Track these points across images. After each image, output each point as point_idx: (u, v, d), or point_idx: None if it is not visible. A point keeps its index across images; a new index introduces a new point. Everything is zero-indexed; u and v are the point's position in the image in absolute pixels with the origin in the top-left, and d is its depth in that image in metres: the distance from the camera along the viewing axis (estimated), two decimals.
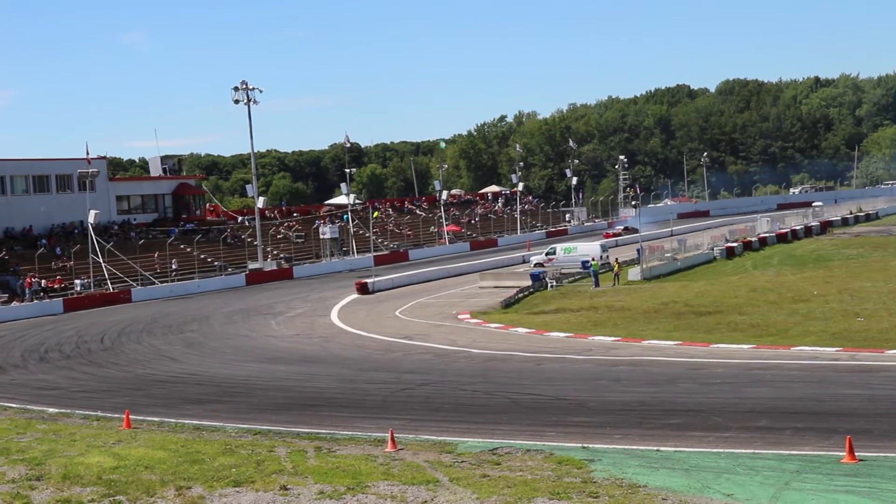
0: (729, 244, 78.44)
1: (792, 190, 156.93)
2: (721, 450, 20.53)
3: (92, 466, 22.30)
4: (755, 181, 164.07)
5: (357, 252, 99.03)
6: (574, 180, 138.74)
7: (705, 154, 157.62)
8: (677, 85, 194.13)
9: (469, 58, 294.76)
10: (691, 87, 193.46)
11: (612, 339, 40.60)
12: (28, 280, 72.72)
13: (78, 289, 74.25)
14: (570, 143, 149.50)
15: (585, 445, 21.37)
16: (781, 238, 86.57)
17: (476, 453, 21.33)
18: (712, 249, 76.89)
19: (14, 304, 69.36)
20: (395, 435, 22.49)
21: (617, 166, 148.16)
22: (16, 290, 72.48)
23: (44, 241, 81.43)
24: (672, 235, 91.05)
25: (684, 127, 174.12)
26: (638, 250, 70.58)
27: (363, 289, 68.66)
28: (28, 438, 26.56)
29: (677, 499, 16.89)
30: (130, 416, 27.76)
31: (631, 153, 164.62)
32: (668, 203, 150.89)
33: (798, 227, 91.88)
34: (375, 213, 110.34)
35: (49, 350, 49.48)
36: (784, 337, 38.31)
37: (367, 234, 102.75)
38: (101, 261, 76.17)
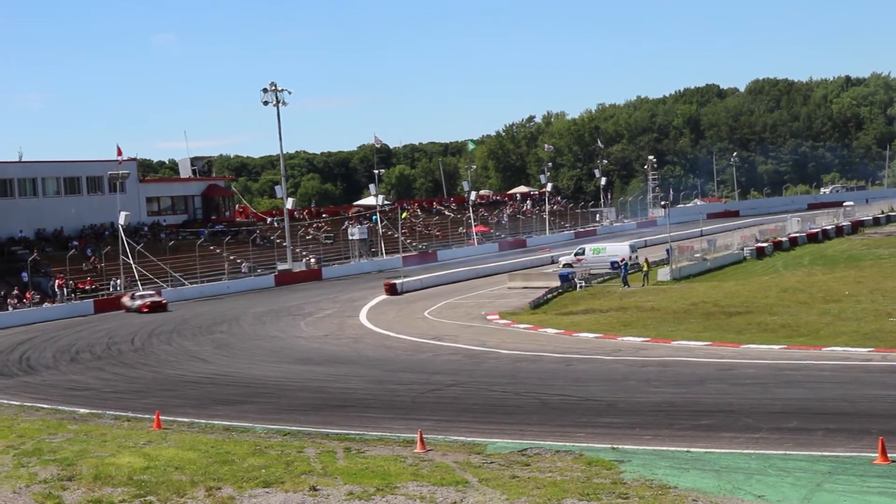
0: (759, 244, 78.04)
1: (823, 190, 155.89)
2: (752, 451, 20.41)
3: (123, 467, 22.40)
4: (785, 181, 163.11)
5: (386, 253, 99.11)
6: (603, 180, 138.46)
7: (735, 154, 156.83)
8: (707, 84, 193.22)
9: (497, 58, 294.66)
10: (721, 87, 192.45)
11: (642, 339, 40.44)
12: (59, 281, 73.18)
13: (117, 289, 74.71)
14: (599, 143, 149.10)
15: (615, 446, 21.29)
16: (812, 238, 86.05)
17: (505, 454, 21.29)
18: (742, 249, 76.49)
19: (46, 305, 69.81)
20: (424, 436, 22.49)
21: (646, 166, 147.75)
22: (47, 291, 72.92)
23: (75, 242, 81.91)
24: (702, 235, 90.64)
25: (714, 126, 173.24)
26: (667, 250, 70.31)
27: (392, 290, 68.70)
28: (60, 439, 26.70)
29: (708, 500, 16.80)
30: (161, 417, 27.88)
31: (660, 153, 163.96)
32: (698, 203, 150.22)
33: (829, 227, 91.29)
34: (404, 214, 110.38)
35: (80, 351, 49.78)
36: (815, 337, 38.04)
37: (396, 235, 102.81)
38: (131, 262, 76.51)
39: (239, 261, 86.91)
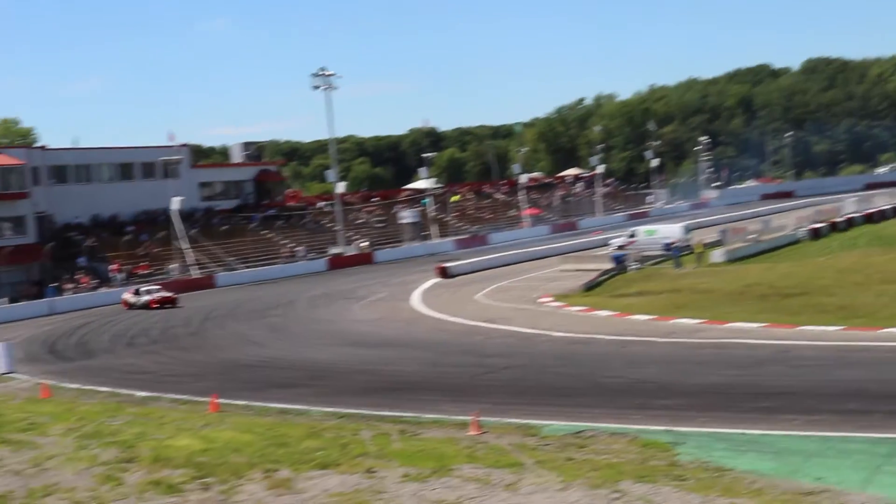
0: (814, 225, 77.15)
1: (880, 169, 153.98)
2: (810, 433, 20.22)
3: (181, 449, 22.62)
4: (841, 161, 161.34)
5: (437, 236, 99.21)
6: (655, 162, 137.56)
7: (789, 134, 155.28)
8: (759, 64, 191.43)
9: (547, 40, 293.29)
10: (774, 67, 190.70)
11: (696, 321, 40.13)
12: (115, 266, 73.94)
13: (171, 274, 75.44)
14: (651, 125, 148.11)
15: (671, 429, 21.19)
16: (869, 218, 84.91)
17: (560, 436, 21.27)
18: (797, 231, 75.70)
19: (102, 289, 70.57)
20: (478, 418, 22.51)
21: (698, 147, 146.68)
22: (103, 276, 73.71)
23: (130, 227, 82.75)
24: (756, 217, 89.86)
25: (767, 107, 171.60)
26: (721, 232, 69.75)
27: (444, 273, 68.75)
28: (119, 422, 27.01)
29: (766, 482, 16.69)
30: (217, 400, 28.12)
31: (713, 134, 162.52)
32: (752, 184, 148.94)
33: (886, 207, 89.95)
34: (455, 197, 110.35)
35: (136, 335, 50.30)
36: (873, 319, 37.55)
37: (447, 218, 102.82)
38: (185, 247, 77.16)
39: (291, 244, 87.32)
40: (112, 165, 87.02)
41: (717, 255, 63.75)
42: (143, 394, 32.24)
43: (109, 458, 22.47)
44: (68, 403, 31.25)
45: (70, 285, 70.41)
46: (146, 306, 62.61)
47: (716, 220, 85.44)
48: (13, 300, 67.86)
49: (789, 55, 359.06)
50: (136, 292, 64.81)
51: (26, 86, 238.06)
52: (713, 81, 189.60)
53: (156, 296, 63.61)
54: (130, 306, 63.72)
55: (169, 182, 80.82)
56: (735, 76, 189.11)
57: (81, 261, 73.93)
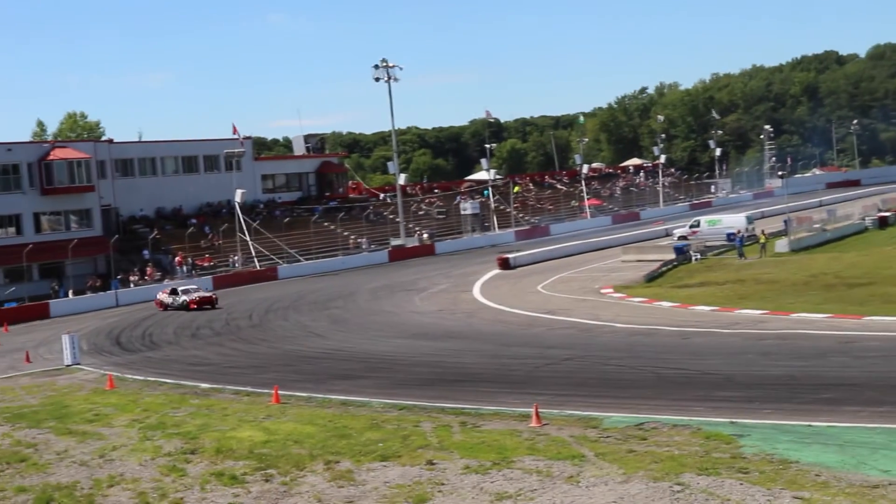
0: (882, 213, 76.11)
1: None
2: (876, 425, 19.95)
3: (244, 440, 22.84)
4: None
5: (498, 227, 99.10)
6: (718, 151, 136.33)
7: (855, 121, 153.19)
8: (825, 51, 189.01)
9: (609, 29, 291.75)
10: (840, 53, 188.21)
11: (760, 312, 39.79)
12: (179, 259, 74.70)
13: (235, 266, 76.10)
14: (714, 114, 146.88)
15: (734, 420, 21.02)
16: None
17: (622, 428, 21.17)
18: (864, 219, 74.75)
19: (166, 281, 71.26)
20: (539, 410, 22.47)
21: (762, 136, 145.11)
22: (167, 268, 74.50)
23: (193, 220, 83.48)
24: (821, 206, 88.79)
25: (833, 94, 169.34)
26: (785, 221, 69.04)
27: (505, 264, 68.65)
28: (182, 413, 27.33)
29: (831, 475, 16.51)
30: (279, 392, 28.32)
31: (776, 122, 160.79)
32: (817, 173, 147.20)
33: None
34: (516, 188, 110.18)
35: (200, 327, 50.74)
36: None
37: (508, 210, 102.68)
38: (247, 239, 77.74)
39: (353, 237, 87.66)
40: (176, 159, 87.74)
41: (781, 244, 63.11)
42: (207, 385, 32.53)
43: (173, 450, 22.76)
44: (133, 395, 31.66)
45: (135, 277, 71.19)
46: (184, 307, 58.37)
47: (780, 210, 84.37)
48: (79, 292, 68.78)
49: (856, 41, 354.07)
50: (173, 292, 60.51)
51: (93, 80, 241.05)
52: (778, 69, 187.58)
53: (194, 296, 59.24)
54: (166, 307, 59.70)
55: (232, 175, 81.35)
56: (800, 63, 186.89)
57: (146, 253, 74.71)
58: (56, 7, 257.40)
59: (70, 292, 68.30)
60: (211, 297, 59.86)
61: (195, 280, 71.35)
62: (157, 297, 61.52)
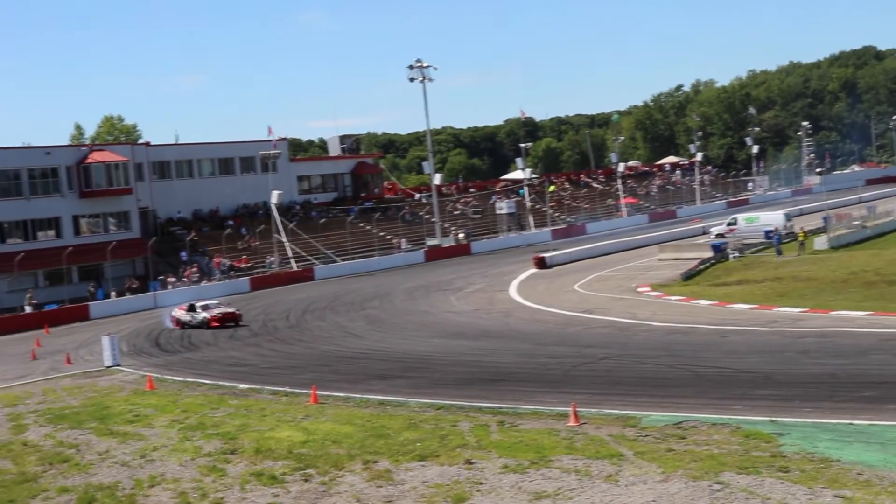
0: None
1: None
2: None
3: (282, 441, 22.95)
4: None
5: (534, 226, 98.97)
6: (755, 148, 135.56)
7: (895, 117, 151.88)
8: (863, 47, 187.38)
9: (644, 26, 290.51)
10: (878, 49, 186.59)
11: (799, 310, 39.54)
12: (216, 260, 75.11)
13: (271, 267, 76.41)
14: (751, 111, 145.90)
15: (774, 419, 20.91)
16: None
17: (660, 427, 21.12)
18: None
19: (203, 283, 71.65)
20: (577, 409, 22.44)
21: (800, 133, 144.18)
22: (205, 269, 74.90)
23: (230, 221, 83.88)
24: (860, 202, 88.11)
25: (871, 90, 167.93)
26: (824, 218, 68.55)
27: (541, 263, 68.55)
28: (221, 414, 27.49)
29: (873, 473, 16.40)
30: (317, 392, 28.42)
31: (815, 119, 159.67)
32: (856, 169, 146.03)
33: None
34: (552, 187, 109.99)
35: (238, 328, 50.94)
36: None
37: (544, 209, 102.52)
38: (284, 240, 78.05)
39: (389, 237, 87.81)
40: (212, 160, 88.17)
41: (820, 242, 62.66)
42: (245, 386, 32.69)
43: (213, 450, 22.90)
44: (172, 396, 31.87)
45: (173, 279, 71.61)
46: (204, 325, 51.43)
47: (819, 207, 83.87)
48: (120, 294, 69.25)
49: (895, 37, 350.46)
50: (191, 308, 53.08)
51: (130, 84, 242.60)
52: (815, 65, 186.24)
53: (216, 312, 52.15)
54: (183, 326, 52.68)
55: (268, 176, 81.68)
56: (838, 59, 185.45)
57: (183, 255, 75.12)
58: (92, 11, 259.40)
59: (113, 294, 68.72)
60: (235, 313, 52.51)
61: (232, 281, 71.70)
62: (173, 314, 54.08)
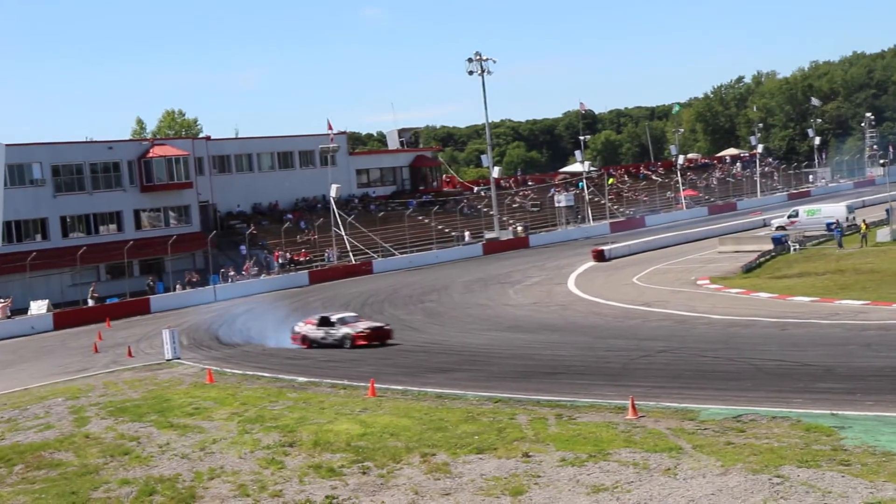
0: None
1: None
2: None
3: (341, 433, 23.04)
4: None
5: (593, 219, 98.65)
6: (817, 140, 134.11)
7: None
8: None
9: (705, 17, 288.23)
10: None
11: (861, 302, 39.13)
12: (276, 253, 75.59)
13: (330, 260, 76.78)
14: (813, 102, 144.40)
15: (834, 412, 20.67)
16: None
17: (719, 420, 20.95)
18: None
19: (263, 276, 72.13)
20: (635, 402, 22.33)
21: (863, 124, 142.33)
22: (264, 263, 75.41)
23: (289, 215, 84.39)
24: None
25: None
26: (887, 210, 67.74)
27: (599, 256, 68.32)
28: (280, 406, 27.65)
29: None
30: (375, 385, 28.49)
31: (878, 110, 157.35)
32: None
33: None
34: (611, 180, 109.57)
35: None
36: None
37: (603, 201, 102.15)
38: (343, 233, 78.38)
39: (453, 232, 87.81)
40: (272, 154, 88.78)
41: (882, 234, 61.94)
42: (304, 379, 32.83)
43: (271, 443, 23.05)
44: (231, 389, 32.10)
45: (232, 273, 72.13)
46: (345, 343, 40.86)
47: (882, 199, 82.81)
48: (183, 287, 69.84)
49: None
50: (325, 323, 42.51)
51: (191, 78, 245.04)
52: (879, 55, 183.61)
53: (362, 328, 41.45)
54: (311, 344, 42.28)
55: (327, 170, 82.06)
56: None
57: (242, 248, 75.66)
58: (154, 5, 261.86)
59: (177, 286, 69.35)
60: (384, 328, 42.13)
61: (291, 275, 72.08)
62: (297, 329, 43.83)
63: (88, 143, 78.95)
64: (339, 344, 40.95)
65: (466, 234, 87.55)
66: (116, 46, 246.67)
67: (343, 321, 42.14)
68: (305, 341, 42.47)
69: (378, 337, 40.66)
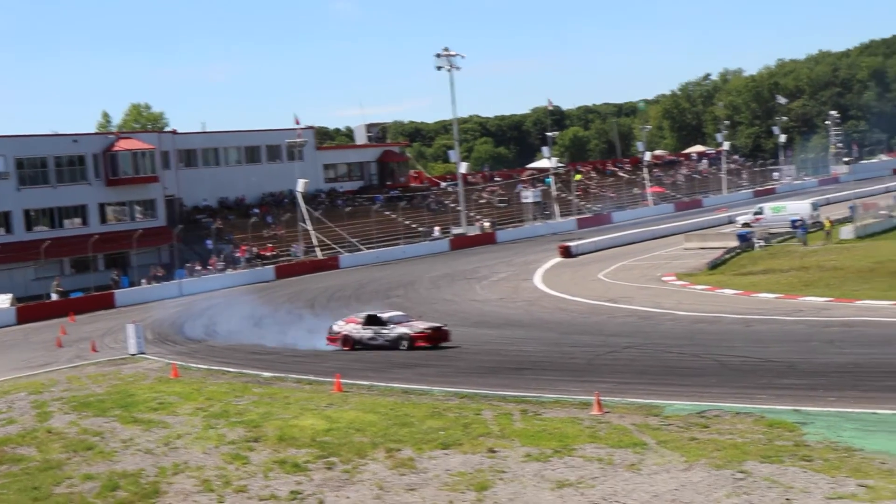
0: None
1: None
2: None
3: (306, 429, 23.00)
4: None
5: (559, 215, 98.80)
6: (782, 138, 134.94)
7: None
8: (893, 35, 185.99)
9: (672, 15, 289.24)
10: None
11: (824, 299, 39.41)
12: (242, 248, 75.30)
13: (297, 255, 76.58)
14: (779, 100, 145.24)
15: (797, 408, 20.82)
16: None
17: (684, 416, 21.06)
18: None
19: (229, 271, 71.85)
20: (600, 398, 22.40)
21: (828, 122, 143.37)
22: (230, 258, 75.09)
23: (256, 210, 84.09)
24: (888, 192, 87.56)
25: None
26: (851, 208, 68.25)
27: (566, 252, 68.48)
28: (245, 402, 27.56)
29: None
30: (341, 380, 28.45)
31: (843, 108, 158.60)
32: (884, 158, 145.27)
33: None
34: (578, 176, 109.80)
35: (263, 316, 51.01)
36: None
37: (570, 198, 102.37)
38: (309, 228, 78.19)
39: (420, 227, 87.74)
40: (239, 149, 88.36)
41: (846, 231, 62.39)
42: (269, 374, 32.74)
43: (236, 438, 22.98)
44: (196, 384, 31.96)
45: (198, 267, 71.80)
46: (401, 343, 36.64)
47: (846, 196, 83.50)
48: (148, 282, 69.44)
49: None
50: (373, 321, 38.16)
51: (157, 72, 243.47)
52: (844, 54, 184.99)
53: (422, 328, 37.15)
54: (354, 345, 38.05)
55: (294, 164, 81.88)
56: (868, 48, 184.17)
57: (208, 243, 75.32)
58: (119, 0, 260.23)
59: (142, 281, 68.97)
60: (443, 328, 37.26)
61: (257, 270, 71.84)
62: (336, 328, 39.32)
63: (53, 137, 78.19)
64: (392, 345, 36.84)
65: (436, 229, 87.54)
66: (82, 39, 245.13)
67: (394, 320, 37.96)
68: (347, 342, 38.23)
69: (438, 338, 36.45)
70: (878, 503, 14.68)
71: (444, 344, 36.11)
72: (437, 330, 36.71)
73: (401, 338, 36.60)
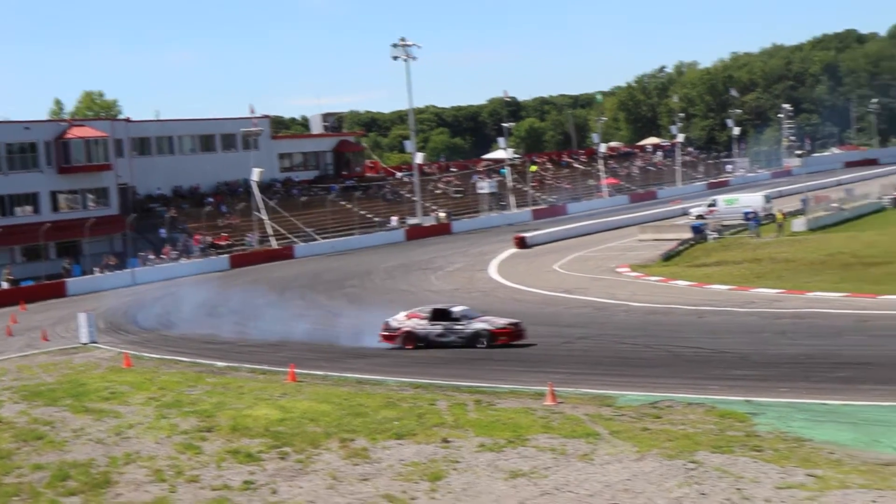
0: None
1: None
2: (891, 403, 19.97)
3: (259, 419, 22.94)
4: None
5: (515, 206, 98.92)
6: (736, 130, 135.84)
7: (875, 100, 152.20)
8: (845, 30, 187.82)
9: (628, 7, 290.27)
10: (860, 32, 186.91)
11: (776, 291, 39.75)
12: (196, 237, 74.87)
13: (251, 244, 76.22)
14: (733, 93, 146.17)
15: (749, 399, 21.02)
16: None
17: (636, 407, 21.20)
18: (881, 199, 74.37)
19: (183, 260, 71.43)
20: (554, 388, 22.49)
21: (781, 115, 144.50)
22: (184, 247, 74.63)
23: (210, 199, 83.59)
24: (839, 185, 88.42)
25: (853, 73, 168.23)
26: (803, 200, 68.84)
27: (521, 243, 68.59)
28: (198, 391, 27.44)
29: (844, 453, 16.52)
30: (295, 370, 28.39)
31: (796, 101, 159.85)
32: (835, 152, 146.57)
33: None
34: (533, 167, 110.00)
35: (217, 305, 50.77)
36: None
37: (525, 189, 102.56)
38: (264, 218, 77.86)
39: (376, 218, 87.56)
40: (193, 137, 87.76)
41: (798, 224, 62.91)
42: (223, 364, 32.62)
43: (189, 428, 22.88)
44: (149, 373, 31.78)
45: (152, 256, 71.32)
46: (482, 341, 33.05)
47: (798, 189, 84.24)
48: (100, 271, 68.85)
49: (876, 20, 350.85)
50: (441, 315, 34.59)
51: (110, 59, 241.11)
52: (797, 48, 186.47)
53: (501, 323, 33.74)
54: (417, 342, 34.33)
55: (249, 153, 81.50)
56: (820, 42, 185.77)
57: (162, 232, 74.83)
58: None
59: (95, 270, 68.39)
60: (522, 325, 33.66)
61: (212, 259, 71.45)
62: (394, 324, 35.29)
63: (4, 123, 77.17)
64: (467, 342, 33.45)
65: (394, 219, 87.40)
66: (35, 25, 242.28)
67: (468, 314, 34.53)
68: (409, 339, 34.54)
69: (519, 334, 33.24)
70: (827, 493, 14.85)
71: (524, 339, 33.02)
72: (517, 326, 33.62)
73: (479, 334, 33.40)
